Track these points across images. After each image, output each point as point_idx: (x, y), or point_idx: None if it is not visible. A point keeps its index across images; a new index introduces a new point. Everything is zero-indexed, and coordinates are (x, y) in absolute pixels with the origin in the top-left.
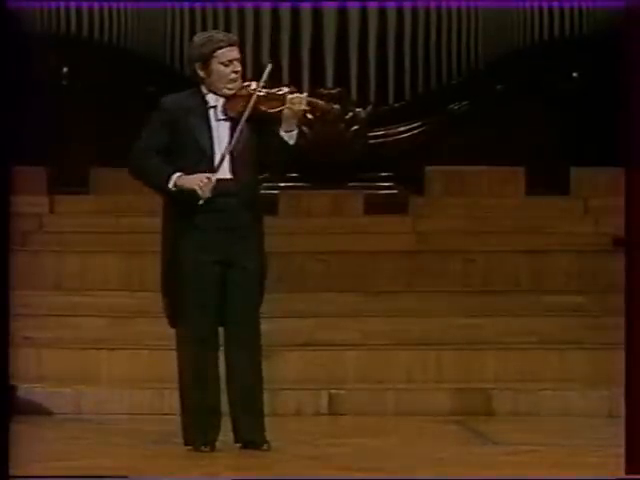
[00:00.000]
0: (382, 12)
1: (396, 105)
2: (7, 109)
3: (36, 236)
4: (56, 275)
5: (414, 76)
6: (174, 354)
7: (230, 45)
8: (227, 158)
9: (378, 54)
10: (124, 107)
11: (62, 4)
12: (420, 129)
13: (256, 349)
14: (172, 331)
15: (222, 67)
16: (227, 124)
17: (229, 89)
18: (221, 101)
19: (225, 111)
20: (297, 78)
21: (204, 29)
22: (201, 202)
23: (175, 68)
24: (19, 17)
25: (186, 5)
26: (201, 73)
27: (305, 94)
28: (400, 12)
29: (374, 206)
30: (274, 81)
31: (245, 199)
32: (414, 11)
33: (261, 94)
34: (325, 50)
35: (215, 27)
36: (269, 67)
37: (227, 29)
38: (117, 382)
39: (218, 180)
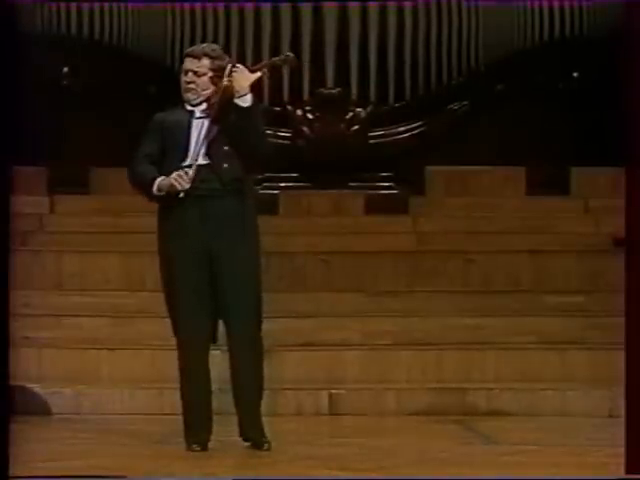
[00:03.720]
0: (382, 11)
1: (396, 105)
2: (7, 109)
3: (36, 236)
4: (56, 275)
5: (414, 76)
6: (174, 354)
7: (190, 56)
8: (203, 147)
9: (378, 54)
10: (124, 107)
11: (62, 4)
12: (420, 129)
13: (255, 348)
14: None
15: (182, 76)
16: (206, 122)
17: (184, 97)
18: (200, 106)
19: (206, 112)
20: (297, 78)
21: (204, 29)
22: (181, 195)
23: (175, 69)
24: (19, 17)
25: (186, 5)
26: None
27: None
28: (400, 11)
29: (374, 206)
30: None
31: (226, 184)
32: (414, 11)
33: (227, 83)
34: (325, 50)
35: (215, 27)
36: (229, 66)
37: (227, 29)
38: (117, 382)
39: (198, 167)
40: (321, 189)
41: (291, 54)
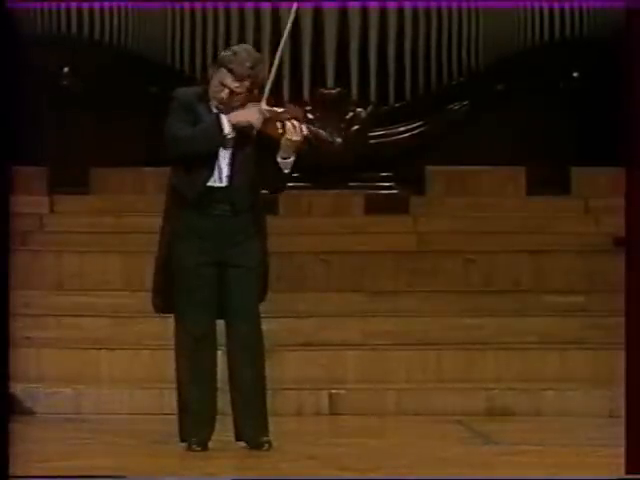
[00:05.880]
0: (383, 12)
1: (396, 105)
2: (7, 109)
3: (36, 236)
4: (56, 275)
5: (414, 76)
6: (174, 354)
7: (232, 73)
8: (225, 168)
9: (378, 54)
10: (125, 107)
11: (62, 4)
12: (420, 129)
13: (257, 348)
14: (172, 332)
15: (216, 83)
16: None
17: (213, 104)
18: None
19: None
20: (297, 78)
21: (205, 29)
22: (254, 132)
23: (176, 68)
24: (19, 17)
25: (187, 5)
26: (209, 77)
27: (304, 125)
28: (401, 12)
29: (374, 206)
30: (276, 84)
31: (240, 207)
32: (414, 11)
33: (266, 115)
34: (325, 50)
35: (215, 27)
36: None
37: (227, 29)
38: (117, 382)
39: (213, 188)
40: (321, 189)
41: (340, 140)
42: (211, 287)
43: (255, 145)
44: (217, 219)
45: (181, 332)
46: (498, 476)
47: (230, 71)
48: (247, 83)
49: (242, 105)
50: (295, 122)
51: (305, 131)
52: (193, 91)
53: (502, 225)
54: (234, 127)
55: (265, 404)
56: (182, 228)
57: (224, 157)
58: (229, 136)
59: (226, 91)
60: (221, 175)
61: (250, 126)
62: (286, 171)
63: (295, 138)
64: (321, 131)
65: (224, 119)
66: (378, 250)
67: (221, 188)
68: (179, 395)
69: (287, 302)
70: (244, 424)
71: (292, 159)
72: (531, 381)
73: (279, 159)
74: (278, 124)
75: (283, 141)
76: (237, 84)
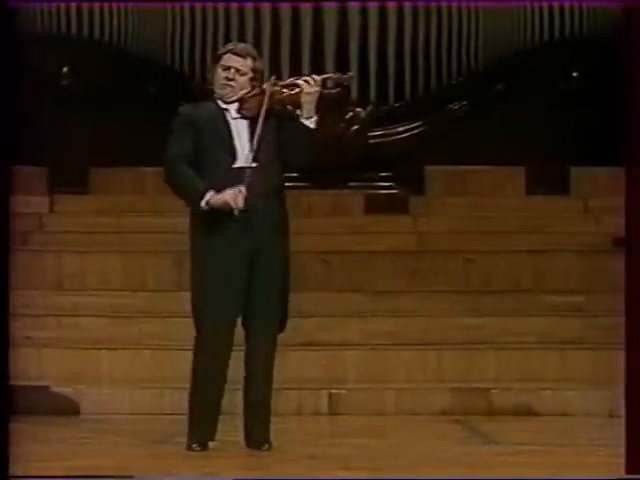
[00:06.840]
0: (382, 11)
1: (396, 105)
2: (7, 109)
3: (36, 236)
4: (56, 275)
5: (414, 76)
6: (175, 354)
7: (234, 53)
8: (252, 152)
9: (378, 54)
10: (124, 107)
11: (62, 4)
12: (420, 129)
13: (272, 350)
14: (172, 331)
15: (220, 71)
16: (245, 122)
17: (219, 94)
18: (233, 105)
19: (240, 112)
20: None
21: (204, 29)
22: (236, 213)
23: (175, 69)
24: (19, 17)
25: (186, 5)
26: (209, 75)
27: (315, 76)
28: (400, 12)
29: (374, 206)
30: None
31: (271, 187)
32: (414, 11)
33: (275, 88)
34: (325, 50)
35: (215, 27)
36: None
37: (227, 29)
38: (117, 382)
39: (238, 168)
40: (321, 189)
41: (351, 74)
42: (242, 287)
43: (272, 127)
44: (250, 203)
45: (208, 334)
46: (498, 476)
47: (232, 52)
48: (250, 62)
49: (245, 98)
50: (307, 77)
51: (319, 79)
52: (199, 105)
53: (502, 225)
54: (209, 204)
55: (269, 405)
56: (212, 225)
57: (238, 136)
58: (204, 208)
59: (232, 70)
60: (241, 154)
61: (230, 207)
62: (313, 126)
63: (313, 89)
64: (331, 74)
65: (208, 195)
66: (378, 250)
67: (245, 168)
68: (190, 396)
69: None
70: (256, 427)
71: (315, 117)
72: (531, 381)
73: (303, 120)
74: (294, 90)
75: (303, 98)
76: (241, 61)
